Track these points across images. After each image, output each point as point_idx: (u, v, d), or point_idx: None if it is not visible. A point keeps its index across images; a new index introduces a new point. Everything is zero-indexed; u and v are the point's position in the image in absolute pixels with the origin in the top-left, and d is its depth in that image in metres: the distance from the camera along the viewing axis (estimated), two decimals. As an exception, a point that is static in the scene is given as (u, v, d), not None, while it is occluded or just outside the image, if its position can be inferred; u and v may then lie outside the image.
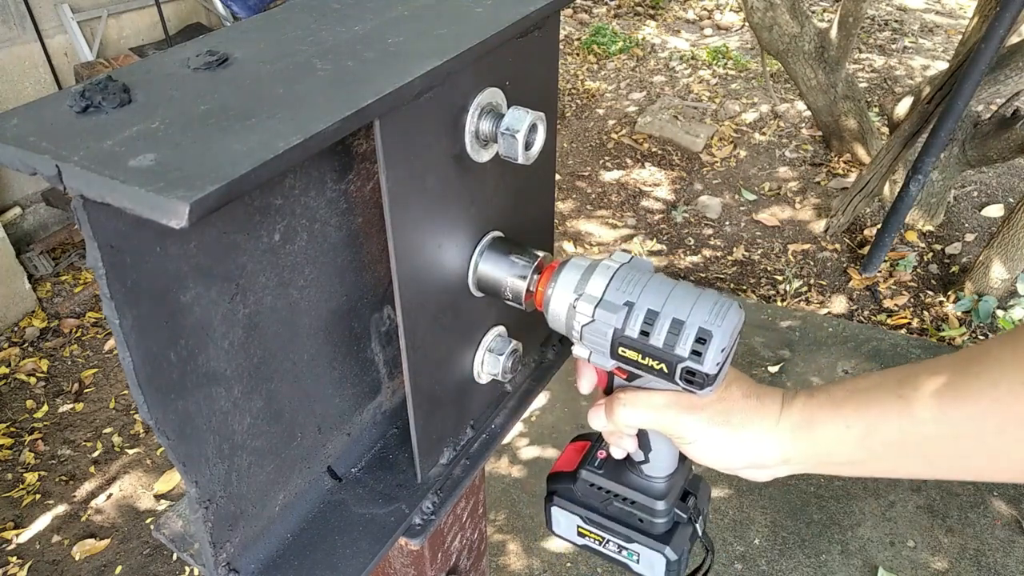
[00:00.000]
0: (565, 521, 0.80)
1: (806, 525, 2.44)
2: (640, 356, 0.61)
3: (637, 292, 0.62)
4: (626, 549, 0.76)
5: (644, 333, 0.60)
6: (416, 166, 0.61)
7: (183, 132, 0.48)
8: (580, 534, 0.80)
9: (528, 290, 0.71)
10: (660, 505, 0.74)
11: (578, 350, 0.66)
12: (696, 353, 0.59)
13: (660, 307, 0.60)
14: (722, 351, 0.59)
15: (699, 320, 0.59)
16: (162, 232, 0.51)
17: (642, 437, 0.71)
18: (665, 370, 0.61)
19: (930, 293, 3.36)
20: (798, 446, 0.61)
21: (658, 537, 0.75)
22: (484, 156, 0.70)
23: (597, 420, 0.70)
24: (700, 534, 0.77)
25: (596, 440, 0.79)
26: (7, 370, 3.29)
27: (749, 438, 0.63)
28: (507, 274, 0.72)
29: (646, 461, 0.73)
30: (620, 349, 0.62)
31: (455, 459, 0.83)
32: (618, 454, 0.75)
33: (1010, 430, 0.51)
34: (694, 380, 0.60)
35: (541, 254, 0.72)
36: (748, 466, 0.65)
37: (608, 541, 0.78)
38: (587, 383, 0.72)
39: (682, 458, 0.74)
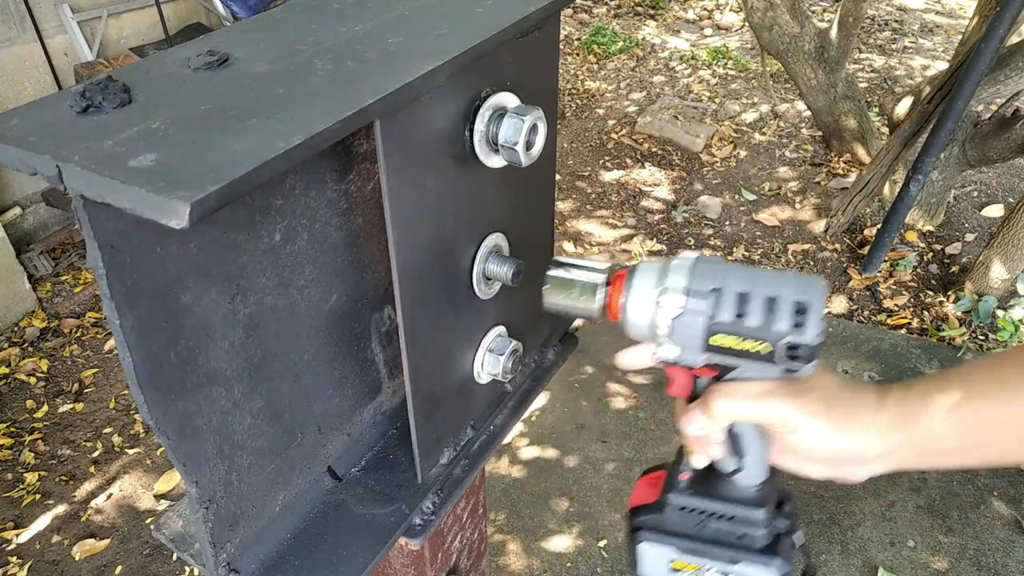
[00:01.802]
0: (655, 557, 0.74)
1: (806, 525, 2.44)
2: (738, 341, 0.60)
3: (720, 279, 0.60)
4: (729, 574, 0.71)
5: (739, 316, 0.59)
6: (416, 166, 0.61)
7: (183, 132, 0.48)
8: (673, 569, 0.74)
9: (602, 301, 0.67)
10: (760, 514, 0.69)
11: (666, 351, 0.63)
12: (798, 325, 0.58)
13: (749, 288, 0.59)
14: (821, 321, 0.58)
15: (792, 294, 0.58)
16: (162, 232, 0.51)
17: (735, 441, 0.68)
18: (765, 350, 0.59)
19: (930, 293, 3.36)
20: (901, 437, 0.61)
21: (763, 551, 0.70)
22: (496, 162, 0.70)
23: (692, 422, 0.66)
24: (799, 545, 0.72)
25: (674, 464, 0.74)
26: (7, 370, 3.28)
27: (851, 429, 0.62)
28: (576, 295, 0.68)
29: (739, 470, 0.69)
30: (714, 338, 0.60)
31: (455, 459, 0.83)
32: (702, 463, 0.70)
33: None
34: (798, 355, 0.59)
35: (603, 266, 0.68)
36: (849, 458, 0.63)
37: (708, 569, 0.72)
38: (633, 360, 0.67)
39: (771, 468, 0.71)
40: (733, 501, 0.70)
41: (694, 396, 0.67)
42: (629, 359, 0.67)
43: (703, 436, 0.67)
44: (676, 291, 0.61)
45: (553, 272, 0.68)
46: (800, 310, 0.58)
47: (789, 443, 0.65)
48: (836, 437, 0.62)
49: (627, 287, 0.64)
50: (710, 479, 0.71)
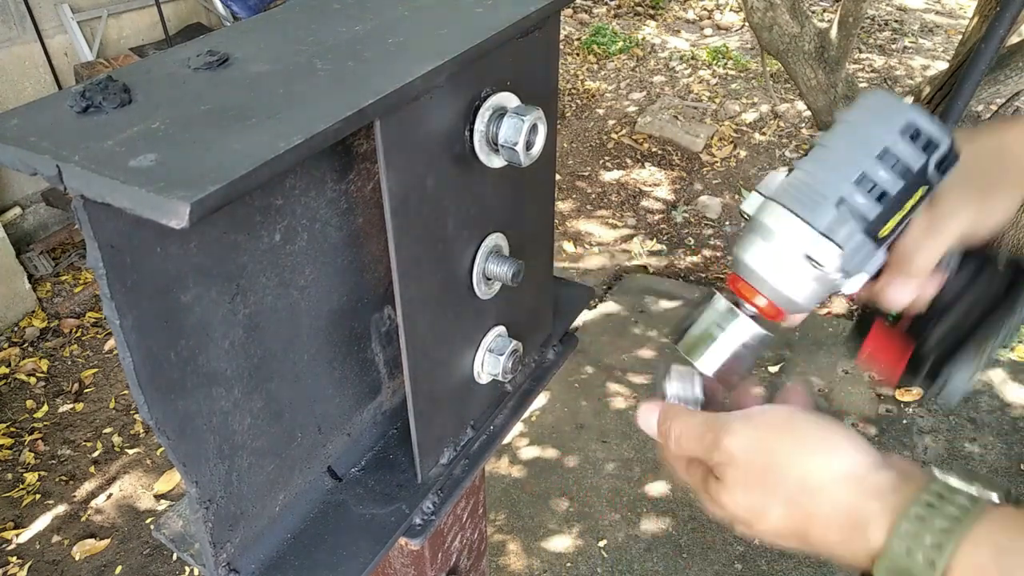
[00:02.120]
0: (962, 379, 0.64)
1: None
2: (900, 213, 0.54)
3: (824, 189, 0.54)
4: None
5: (880, 196, 0.53)
6: (416, 166, 0.61)
7: (183, 132, 0.48)
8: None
9: (754, 317, 0.60)
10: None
11: (852, 285, 0.56)
12: (927, 148, 0.53)
13: (858, 168, 0.53)
14: (933, 119, 0.53)
15: (890, 131, 0.53)
16: (162, 232, 0.51)
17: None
18: (924, 192, 0.54)
19: (930, 293, 3.36)
20: None
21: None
22: (496, 162, 0.70)
23: (898, 291, 0.59)
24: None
25: (888, 315, 0.65)
26: (7, 370, 3.28)
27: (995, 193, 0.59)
28: (717, 331, 0.60)
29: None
30: (882, 231, 0.54)
31: (455, 459, 0.83)
32: (904, 297, 0.61)
33: None
34: (945, 164, 0.54)
35: (714, 298, 0.61)
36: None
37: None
38: (903, 292, 0.60)
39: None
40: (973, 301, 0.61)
41: (863, 330, 0.62)
42: (900, 293, 0.60)
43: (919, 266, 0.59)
44: (813, 241, 0.54)
45: (686, 341, 0.60)
46: (913, 135, 0.53)
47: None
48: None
49: (758, 277, 0.57)
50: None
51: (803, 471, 0.52)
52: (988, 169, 0.60)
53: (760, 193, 0.58)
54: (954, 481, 0.48)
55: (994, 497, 0.47)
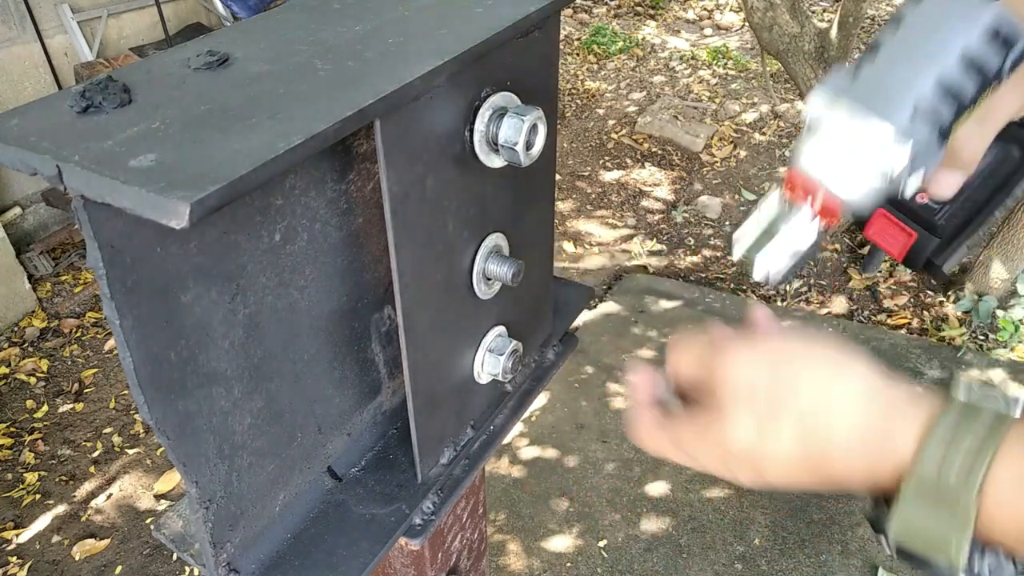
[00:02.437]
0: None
1: (806, 525, 2.44)
2: (970, 105, 0.52)
3: (900, 96, 0.52)
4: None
5: (956, 95, 0.52)
6: (416, 166, 0.61)
7: (183, 132, 0.48)
8: None
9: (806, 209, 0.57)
10: None
11: (914, 181, 0.54)
12: (1006, 43, 0.51)
13: (940, 61, 0.51)
14: (1013, 23, 0.51)
15: (975, 34, 0.51)
16: (162, 232, 0.51)
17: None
18: (994, 88, 0.52)
19: (930, 293, 3.36)
20: None
21: None
22: (496, 162, 0.70)
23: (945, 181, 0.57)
24: None
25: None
26: (7, 370, 3.28)
27: None
28: (774, 229, 0.59)
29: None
30: (950, 126, 0.53)
31: (455, 459, 0.83)
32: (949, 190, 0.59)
33: None
34: (1020, 58, 0.52)
35: (769, 192, 0.59)
36: None
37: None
38: (951, 183, 0.58)
39: None
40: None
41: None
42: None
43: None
44: (887, 140, 0.52)
45: (744, 245, 0.59)
46: (993, 35, 0.51)
47: None
48: None
49: (821, 173, 0.55)
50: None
51: (816, 387, 0.48)
52: None
53: (826, 91, 0.56)
54: (976, 391, 0.46)
55: (1018, 409, 0.45)
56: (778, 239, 0.59)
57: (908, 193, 0.55)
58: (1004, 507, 0.41)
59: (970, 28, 0.52)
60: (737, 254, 0.60)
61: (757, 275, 0.60)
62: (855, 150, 0.54)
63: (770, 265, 0.59)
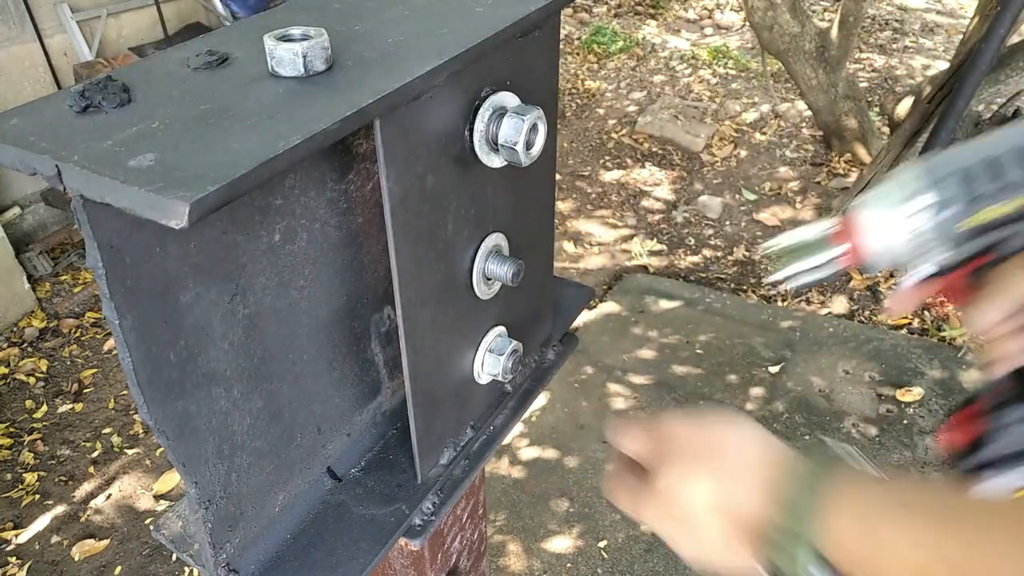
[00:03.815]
0: (994, 492, 0.65)
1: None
2: (1005, 205, 0.54)
3: (957, 162, 0.55)
4: None
5: (996, 178, 0.54)
6: (416, 166, 0.61)
7: (183, 132, 0.48)
8: (1016, 499, 0.63)
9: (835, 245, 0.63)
10: None
11: (923, 268, 0.58)
12: None
13: (993, 152, 0.54)
14: None
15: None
16: (162, 232, 0.50)
17: None
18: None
19: (930, 293, 3.36)
20: None
21: None
22: (496, 162, 0.70)
23: (986, 312, 0.58)
24: None
25: (980, 393, 0.66)
26: (6, 370, 3.28)
27: None
28: (810, 252, 0.65)
29: None
30: (978, 215, 0.55)
31: (455, 459, 0.83)
32: (1009, 366, 0.60)
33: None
34: None
35: (824, 223, 0.65)
36: None
37: None
38: (985, 315, 0.59)
39: None
40: None
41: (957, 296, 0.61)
42: (899, 302, 0.63)
43: (1002, 329, 0.58)
44: (922, 192, 0.55)
45: (778, 245, 0.65)
46: None
47: None
48: None
49: (863, 220, 0.59)
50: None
51: (739, 449, 0.57)
52: None
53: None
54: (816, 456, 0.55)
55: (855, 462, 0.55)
56: (807, 262, 0.65)
57: (913, 273, 0.59)
58: (841, 547, 0.50)
59: None
60: (769, 249, 0.65)
61: (775, 276, 0.66)
62: (892, 202, 0.58)
63: (788, 275, 0.65)
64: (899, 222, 0.58)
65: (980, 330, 0.59)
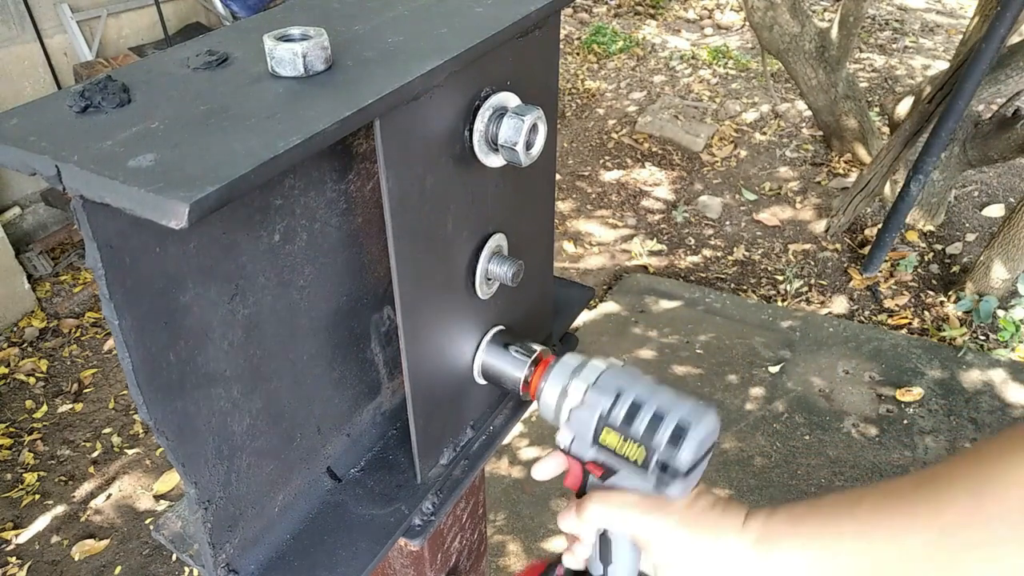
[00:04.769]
0: None
1: (806, 525, 2.44)
2: (620, 441, 0.65)
3: (625, 385, 0.66)
4: None
5: (628, 418, 0.64)
6: (416, 166, 0.61)
7: (183, 132, 0.48)
8: None
9: (525, 381, 0.78)
10: None
11: (561, 437, 0.70)
12: (672, 444, 0.62)
13: (645, 399, 0.65)
14: (697, 448, 0.62)
15: (679, 415, 0.63)
16: (161, 232, 0.50)
17: (604, 547, 0.71)
18: (641, 459, 0.64)
19: (931, 293, 3.36)
20: (758, 562, 0.60)
21: None
22: (496, 162, 0.70)
23: (567, 520, 0.70)
24: None
25: (554, 562, 0.78)
26: (6, 370, 3.28)
27: (712, 546, 0.62)
28: (507, 366, 0.80)
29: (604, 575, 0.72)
30: (603, 433, 0.66)
31: (455, 460, 0.83)
32: (574, 563, 0.74)
33: (962, 556, 0.50)
34: (667, 471, 0.62)
35: (538, 348, 0.78)
36: None
37: None
38: (546, 471, 0.73)
39: None
40: None
41: (582, 493, 0.71)
42: (543, 470, 0.72)
43: (576, 536, 0.70)
44: (582, 384, 0.68)
45: (487, 347, 0.80)
46: (679, 432, 0.62)
47: (652, 554, 0.66)
48: (696, 553, 0.63)
49: (546, 374, 0.72)
50: None
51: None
52: (721, 529, 0.63)
53: None
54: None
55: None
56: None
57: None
58: None
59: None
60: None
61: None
62: (565, 374, 0.71)
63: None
64: (556, 395, 0.70)
65: (562, 527, 0.70)
